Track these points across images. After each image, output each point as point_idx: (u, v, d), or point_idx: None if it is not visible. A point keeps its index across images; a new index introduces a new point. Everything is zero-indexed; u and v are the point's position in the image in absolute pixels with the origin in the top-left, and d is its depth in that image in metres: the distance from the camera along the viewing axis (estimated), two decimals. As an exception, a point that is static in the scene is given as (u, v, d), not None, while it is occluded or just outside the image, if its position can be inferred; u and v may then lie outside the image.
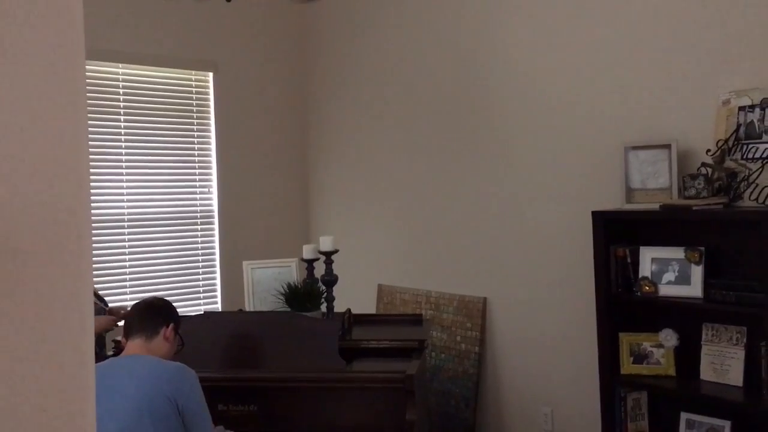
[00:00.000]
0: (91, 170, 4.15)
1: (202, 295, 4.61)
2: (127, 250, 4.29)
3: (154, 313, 2.52)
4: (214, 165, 4.69)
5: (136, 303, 2.71)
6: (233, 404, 2.77)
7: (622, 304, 2.98)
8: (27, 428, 0.63)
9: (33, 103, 0.64)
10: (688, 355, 2.85)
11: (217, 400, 2.75)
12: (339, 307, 3.52)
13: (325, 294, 3.41)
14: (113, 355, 2.86)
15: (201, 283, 4.62)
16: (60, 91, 0.66)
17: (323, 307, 3.39)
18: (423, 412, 3.06)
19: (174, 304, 2.64)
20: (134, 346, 2.45)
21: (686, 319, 2.87)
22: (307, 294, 3.28)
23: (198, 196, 4.64)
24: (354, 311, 3.42)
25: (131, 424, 2.21)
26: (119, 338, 2.62)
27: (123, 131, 4.31)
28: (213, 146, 4.69)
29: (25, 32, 0.63)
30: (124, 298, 4.23)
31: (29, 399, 0.64)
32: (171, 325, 2.53)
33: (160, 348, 2.48)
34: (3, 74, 0.62)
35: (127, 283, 4.27)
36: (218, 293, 4.68)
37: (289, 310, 3.23)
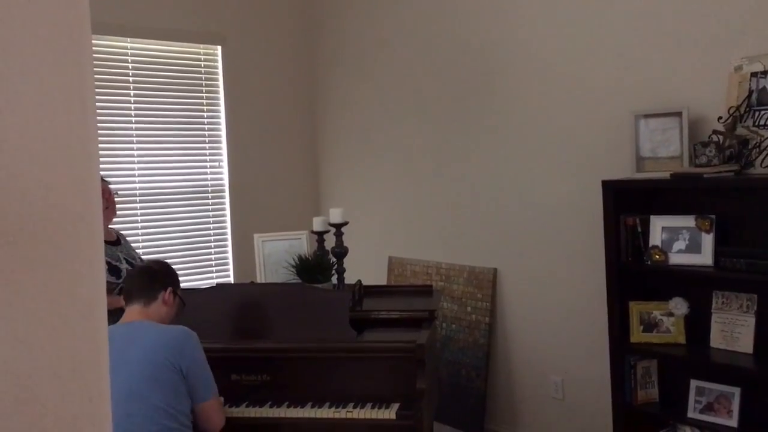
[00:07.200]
0: (102, 146, 4.17)
1: (214, 268, 4.65)
2: (139, 224, 4.33)
3: (151, 279, 2.51)
4: (224, 138, 4.70)
5: (133, 268, 2.71)
6: (246, 374, 2.81)
7: (632, 274, 2.98)
8: (41, 395, 0.65)
9: (39, 80, 0.65)
10: (698, 323, 2.85)
11: (230, 370, 2.80)
12: (350, 279, 3.55)
13: (336, 266, 3.43)
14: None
15: (213, 256, 4.66)
16: (66, 64, 0.67)
17: (334, 279, 3.42)
18: (433, 382, 3.09)
19: (186, 276, 2.65)
20: (133, 312, 2.46)
21: (696, 287, 2.87)
22: (318, 266, 3.30)
23: (209, 170, 4.66)
24: (365, 283, 3.45)
25: (136, 392, 2.24)
26: None
27: (133, 106, 4.32)
28: (222, 120, 4.70)
29: (29, 8, 0.64)
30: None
31: (44, 368, 0.65)
32: (169, 289, 2.53)
33: (159, 312, 2.48)
34: (3, 50, 0.63)
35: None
36: (230, 266, 4.72)
37: (300, 281, 3.26)
